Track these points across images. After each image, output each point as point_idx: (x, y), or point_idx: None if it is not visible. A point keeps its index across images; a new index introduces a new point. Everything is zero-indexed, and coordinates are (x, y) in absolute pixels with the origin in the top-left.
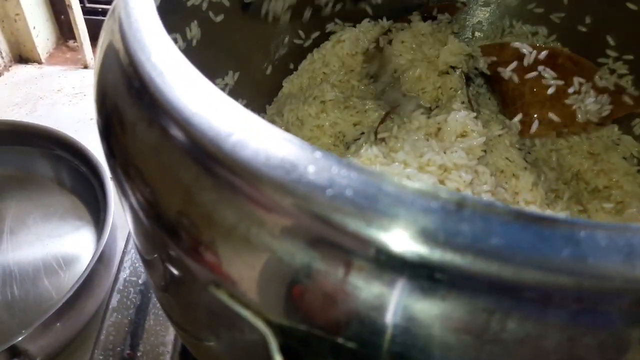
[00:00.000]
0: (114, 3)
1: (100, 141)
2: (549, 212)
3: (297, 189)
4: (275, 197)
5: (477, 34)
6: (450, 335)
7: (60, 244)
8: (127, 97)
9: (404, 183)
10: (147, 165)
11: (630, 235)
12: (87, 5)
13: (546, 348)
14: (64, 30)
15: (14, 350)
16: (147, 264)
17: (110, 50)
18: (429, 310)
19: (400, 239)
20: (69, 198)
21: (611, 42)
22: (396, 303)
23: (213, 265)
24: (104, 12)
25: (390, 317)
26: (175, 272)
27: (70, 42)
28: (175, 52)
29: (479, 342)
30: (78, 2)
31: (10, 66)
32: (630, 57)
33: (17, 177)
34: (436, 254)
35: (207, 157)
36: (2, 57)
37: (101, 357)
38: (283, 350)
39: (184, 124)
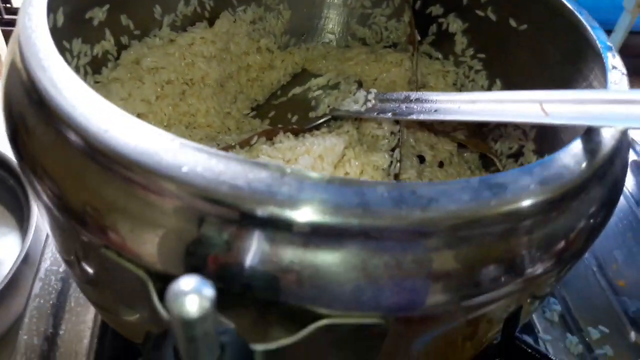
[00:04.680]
0: (15, 28)
1: (11, 150)
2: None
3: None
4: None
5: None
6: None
7: None
8: (28, 107)
9: (250, 162)
10: (49, 162)
11: (400, 189)
12: (5, 17)
13: (347, 268)
14: None
15: None
16: (67, 263)
17: (13, 68)
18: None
19: (244, 200)
20: None
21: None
22: (241, 246)
23: (118, 243)
24: None
25: (249, 260)
26: (89, 261)
27: None
28: (64, 67)
29: (300, 267)
30: None
31: None
32: (483, 55)
33: None
34: (267, 209)
35: (93, 151)
36: None
37: (25, 337)
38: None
39: (74, 126)
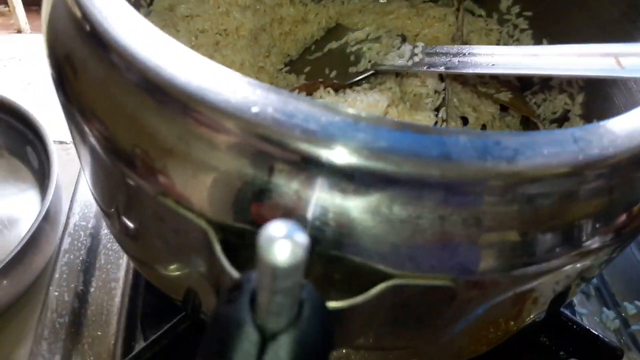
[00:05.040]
0: None
1: (56, 92)
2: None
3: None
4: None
5: None
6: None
7: (4, 206)
8: (77, 42)
9: (322, 105)
10: (100, 101)
11: (485, 138)
12: None
13: (423, 225)
14: None
15: None
16: (107, 215)
17: (59, 2)
18: (327, 192)
19: (317, 145)
20: (10, 161)
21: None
22: (311, 196)
23: (175, 190)
24: None
25: (311, 210)
26: (136, 210)
27: (0, 7)
28: None
29: (371, 222)
30: None
31: None
32: (530, 13)
33: None
34: (341, 156)
35: (152, 87)
36: None
37: (56, 293)
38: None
39: (131, 60)
